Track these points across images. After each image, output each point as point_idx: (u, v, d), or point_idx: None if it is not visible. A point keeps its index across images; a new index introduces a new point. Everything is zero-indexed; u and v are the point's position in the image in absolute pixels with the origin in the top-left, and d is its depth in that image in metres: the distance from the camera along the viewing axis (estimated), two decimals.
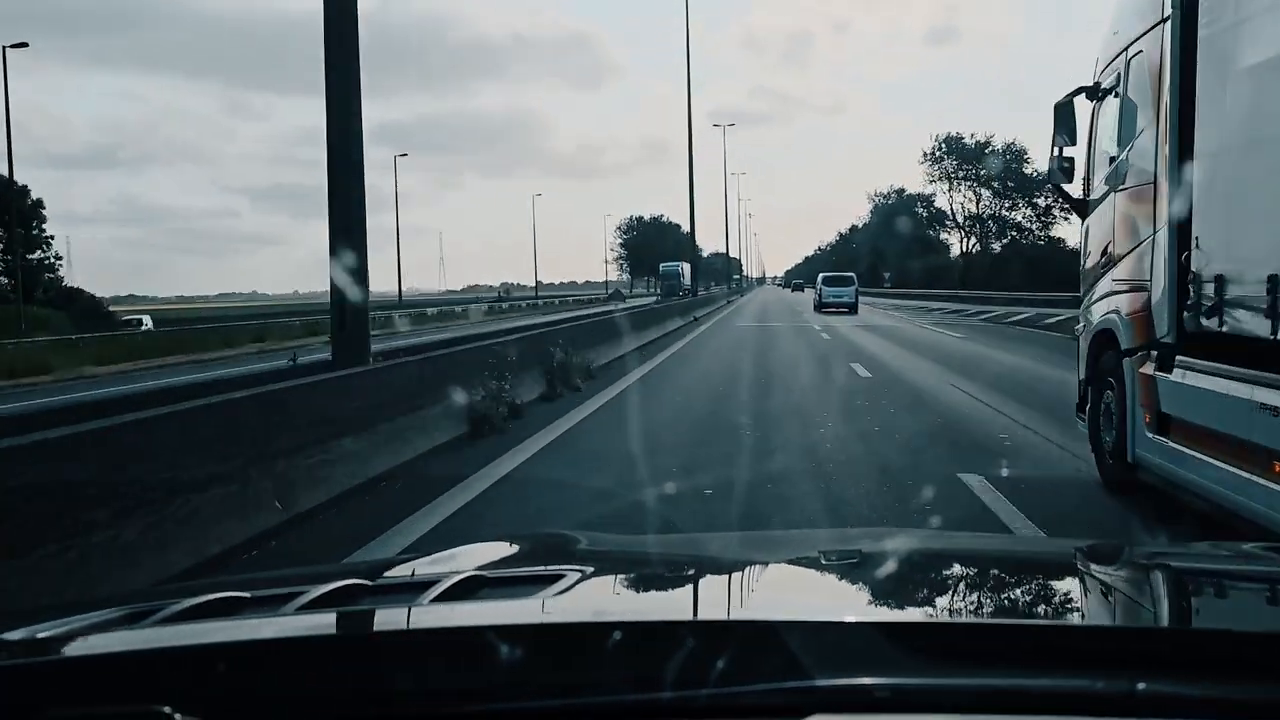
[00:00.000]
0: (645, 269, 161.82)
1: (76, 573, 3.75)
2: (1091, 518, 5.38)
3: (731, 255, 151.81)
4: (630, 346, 16.58)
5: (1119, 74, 5.86)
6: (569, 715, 0.91)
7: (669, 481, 6.09)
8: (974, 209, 77.49)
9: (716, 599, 1.36)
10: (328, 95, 8.02)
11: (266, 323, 37.63)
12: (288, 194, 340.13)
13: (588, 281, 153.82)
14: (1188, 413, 4.78)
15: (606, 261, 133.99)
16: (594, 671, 0.96)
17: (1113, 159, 5.99)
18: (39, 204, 43.64)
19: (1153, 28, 5.36)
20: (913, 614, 1.24)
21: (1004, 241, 72.80)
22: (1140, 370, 5.25)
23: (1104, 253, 6.09)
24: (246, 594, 1.22)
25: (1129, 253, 5.68)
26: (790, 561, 1.60)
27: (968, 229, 76.19)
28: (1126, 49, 5.74)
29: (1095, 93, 6.34)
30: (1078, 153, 6.60)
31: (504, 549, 1.71)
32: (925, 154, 75.05)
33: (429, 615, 1.13)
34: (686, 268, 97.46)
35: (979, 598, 1.39)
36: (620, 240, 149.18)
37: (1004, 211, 74.72)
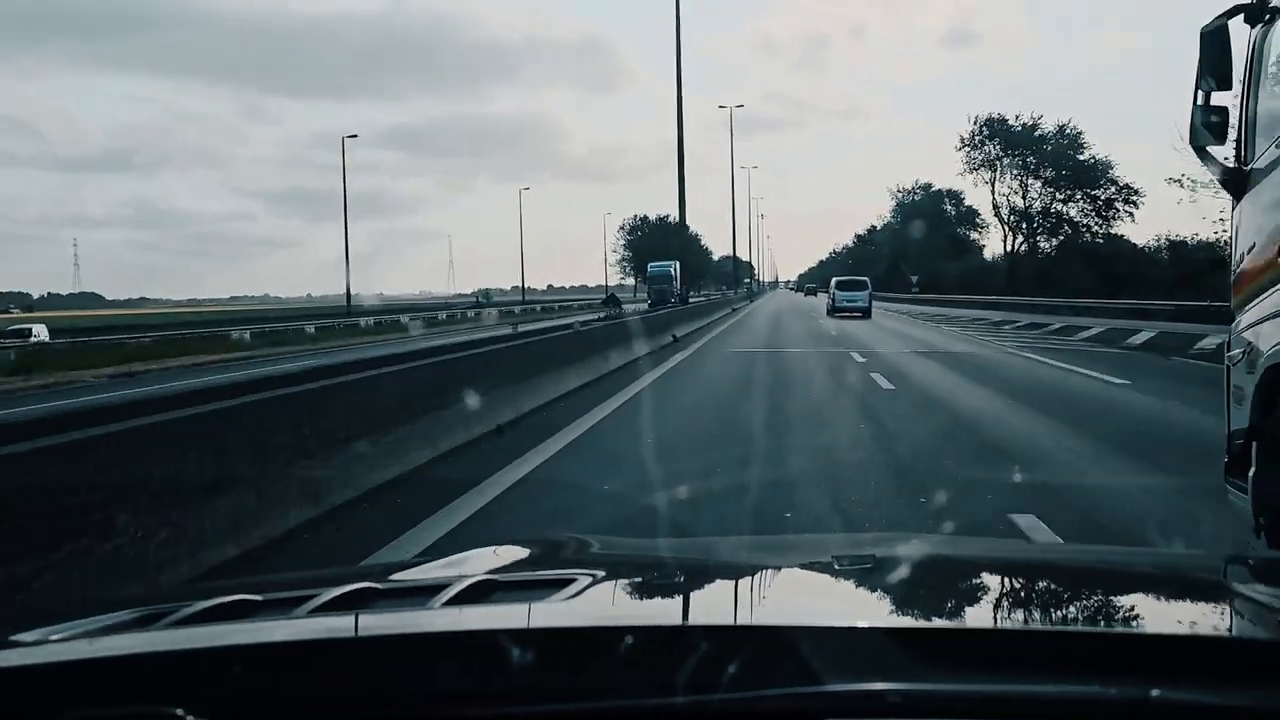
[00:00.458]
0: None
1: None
2: None
3: (744, 259, 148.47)
4: (528, 404, 10.33)
5: None
6: None
7: None
8: (1020, 202, 64.31)
9: (729, 603, 1.40)
10: None
11: (218, 331, 37.30)
12: (302, 197, 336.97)
13: (599, 286, 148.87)
14: None
15: (606, 264, 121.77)
16: (606, 676, 1.00)
17: None
18: None
19: None
20: (925, 619, 1.27)
21: (1058, 239, 67.05)
22: None
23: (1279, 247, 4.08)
24: (259, 596, 1.26)
25: None
26: (802, 566, 1.64)
27: (1013, 225, 63.14)
28: None
29: (1262, 12, 4.48)
30: (1233, 102, 4.64)
31: (515, 552, 1.72)
32: (963, 139, 63.49)
33: (441, 618, 1.18)
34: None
35: (991, 603, 1.41)
36: (624, 242, 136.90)
37: (1058, 205, 61.62)
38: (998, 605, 1.39)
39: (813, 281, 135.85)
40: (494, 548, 1.71)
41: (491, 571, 1.39)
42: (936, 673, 0.97)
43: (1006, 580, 1.53)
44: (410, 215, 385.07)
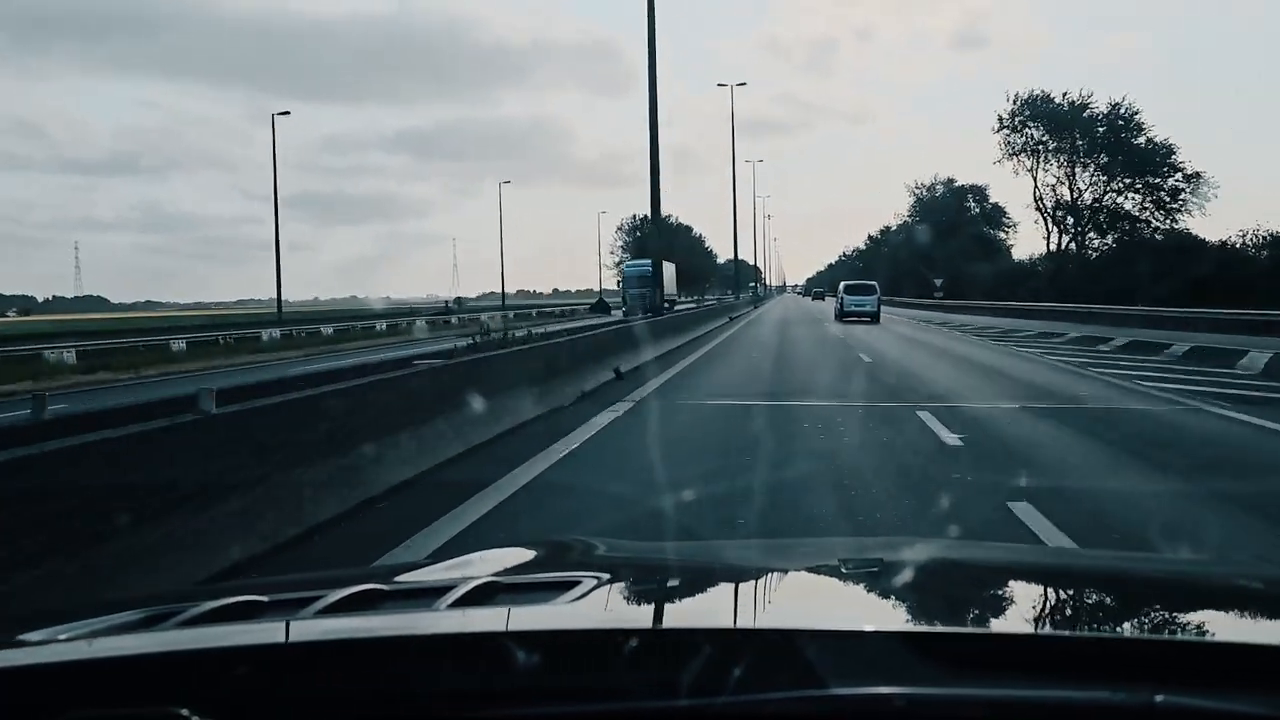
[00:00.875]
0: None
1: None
2: None
3: (751, 262, 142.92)
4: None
5: None
6: None
7: None
8: (1066, 193, 52.99)
9: (733, 607, 1.45)
10: None
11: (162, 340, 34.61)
12: (311, 201, 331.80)
13: (607, 290, 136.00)
14: None
15: (600, 267, 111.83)
16: (610, 678, 1.04)
17: None
18: None
19: None
20: (930, 623, 1.34)
21: (1112, 235, 59.07)
22: None
23: None
24: (264, 597, 1.33)
25: None
26: (808, 570, 1.70)
27: (1057, 219, 51.34)
28: None
29: None
30: None
31: (521, 554, 1.77)
32: (1001, 120, 51.45)
33: (446, 620, 1.23)
34: (671, 269, 69.09)
35: (997, 607, 1.47)
36: (622, 243, 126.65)
37: (1111, 196, 50.05)
38: (1004, 609, 1.45)
39: (820, 285, 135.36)
40: (499, 550, 1.76)
41: (496, 574, 1.44)
42: (942, 677, 0.99)
43: (1012, 585, 1.58)
44: (418, 219, 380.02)
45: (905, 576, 1.54)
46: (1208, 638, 1.24)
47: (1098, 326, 30.77)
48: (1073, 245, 59.06)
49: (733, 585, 1.58)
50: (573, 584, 1.31)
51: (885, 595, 1.48)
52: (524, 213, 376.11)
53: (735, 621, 1.31)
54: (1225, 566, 1.84)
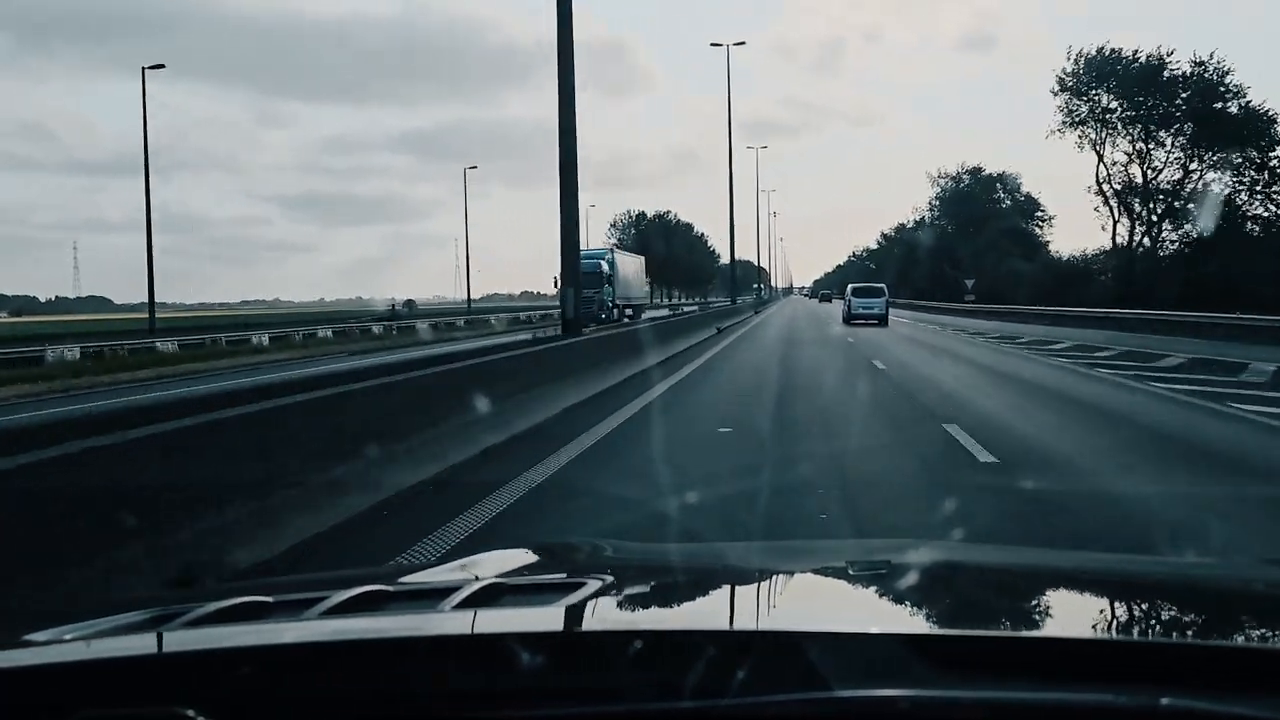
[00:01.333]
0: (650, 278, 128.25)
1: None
2: None
3: (757, 265, 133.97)
4: None
5: None
6: None
7: None
8: (1139, 173, 40.26)
9: (737, 608, 1.51)
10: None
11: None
12: (318, 202, 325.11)
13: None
14: None
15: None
16: (614, 679, 1.07)
17: None
18: None
19: None
20: (934, 626, 1.39)
21: (1214, 225, 37.48)
22: None
23: None
24: (269, 598, 1.39)
25: None
26: (813, 571, 1.75)
27: (1126, 205, 37.71)
28: None
29: None
30: None
31: (526, 556, 1.81)
32: (1062, 80, 38.33)
33: (450, 621, 1.29)
34: (637, 263, 54.57)
35: (1000, 610, 1.52)
36: (615, 240, 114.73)
37: (1202, 172, 37.25)
38: (1007, 612, 1.51)
39: (828, 287, 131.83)
40: (504, 551, 1.81)
41: (501, 575, 1.50)
42: (946, 679, 1.01)
43: (1017, 587, 1.64)
44: (422, 219, 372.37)
45: (909, 579, 1.59)
46: (1213, 640, 1.30)
47: (1214, 343, 24.54)
48: (1144, 239, 48.28)
49: (736, 587, 1.63)
50: (577, 585, 1.36)
51: (889, 597, 1.52)
52: (528, 214, 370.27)
53: (739, 623, 1.37)
54: (1230, 569, 1.90)
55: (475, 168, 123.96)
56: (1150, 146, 48.36)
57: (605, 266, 44.93)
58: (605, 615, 1.31)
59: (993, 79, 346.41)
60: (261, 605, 1.32)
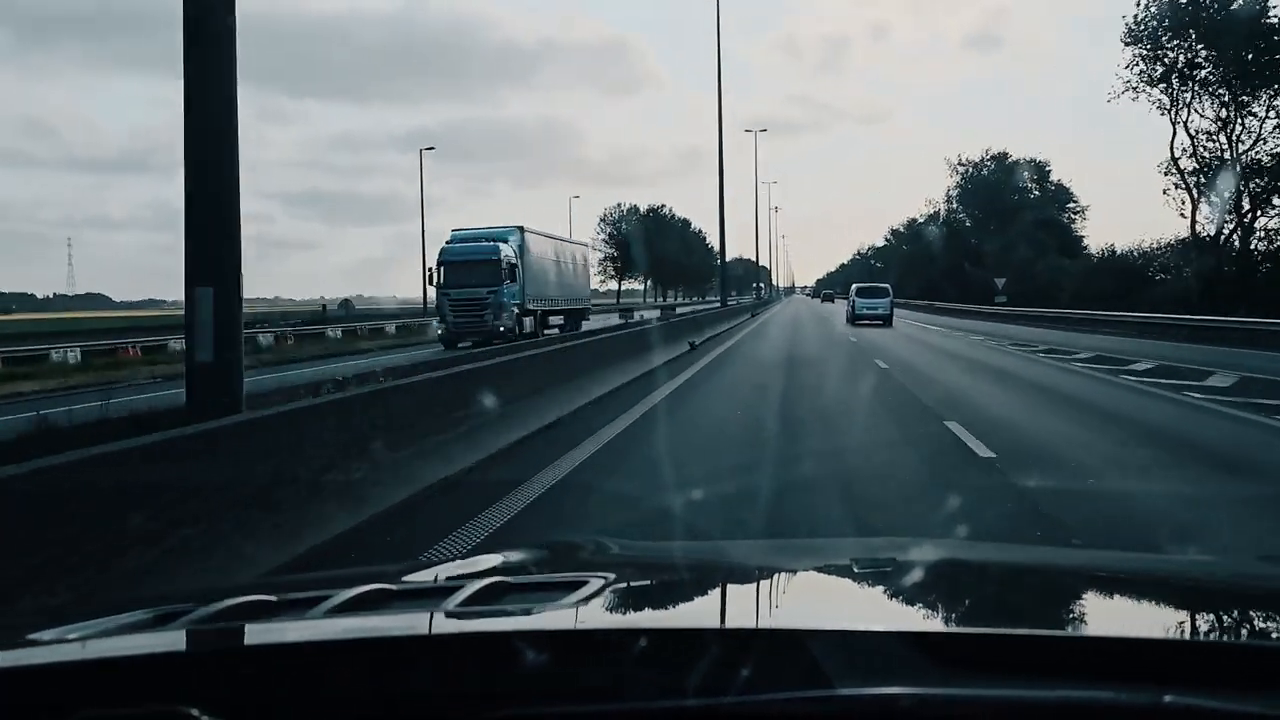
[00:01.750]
0: (638, 271, 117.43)
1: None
2: None
3: (758, 263, 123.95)
4: None
5: None
6: None
7: None
8: (1225, 144, 28.67)
9: (741, 606, 1.49)
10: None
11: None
12: (320, 199, 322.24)
13: (609, 291, 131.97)
14: None
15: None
16: (618, 677, 1.05)
17: None
18: None
19: None
20: (937, 624, 1.38)
21: None
22: None
23: None
24: (273, 597, 1.38)
25: None
26: (816, 569, 1.72)
27: (1203, 184, 26.15)
28: None
29: None
30: None
31: (529, 554, 1.82)
32: (1132, 30, 26.74)
33: (453, 620, 1.28)
34: (570, 253, 42.82)
35: (1004, 608, 1.52)
36: (604, 236, 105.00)
37: None
38: (1011, 610, 1.51)
39: (832, 287, 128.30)
40: (508, 549, 1.81)
41: (504, 573, 1.48)
42: (949, 677, 1.01)
43: (1020, 585, 1.62)
44: (426, 218, 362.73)
45: (912, 576, 1.58)
46: (1216, 638, 1.29)
47: None
48: (1235, 230, 38.04)
49: (740, 585, 1.61)
50: (580, 584, 1.36)
51: (892, 595, 1.51)
52: (532, 213, 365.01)
53: (742, 621, 1.37)
54: (1232, 566, 1.86)
55: (433, 148, 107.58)
56: (1240, 115, 38.42)
57: (507, 254, 30.27)
58: (608, 613, 1.31)
59: (1000, 78, 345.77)
60: (265, 604, 1.32)
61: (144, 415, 9.21)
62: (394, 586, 1.39)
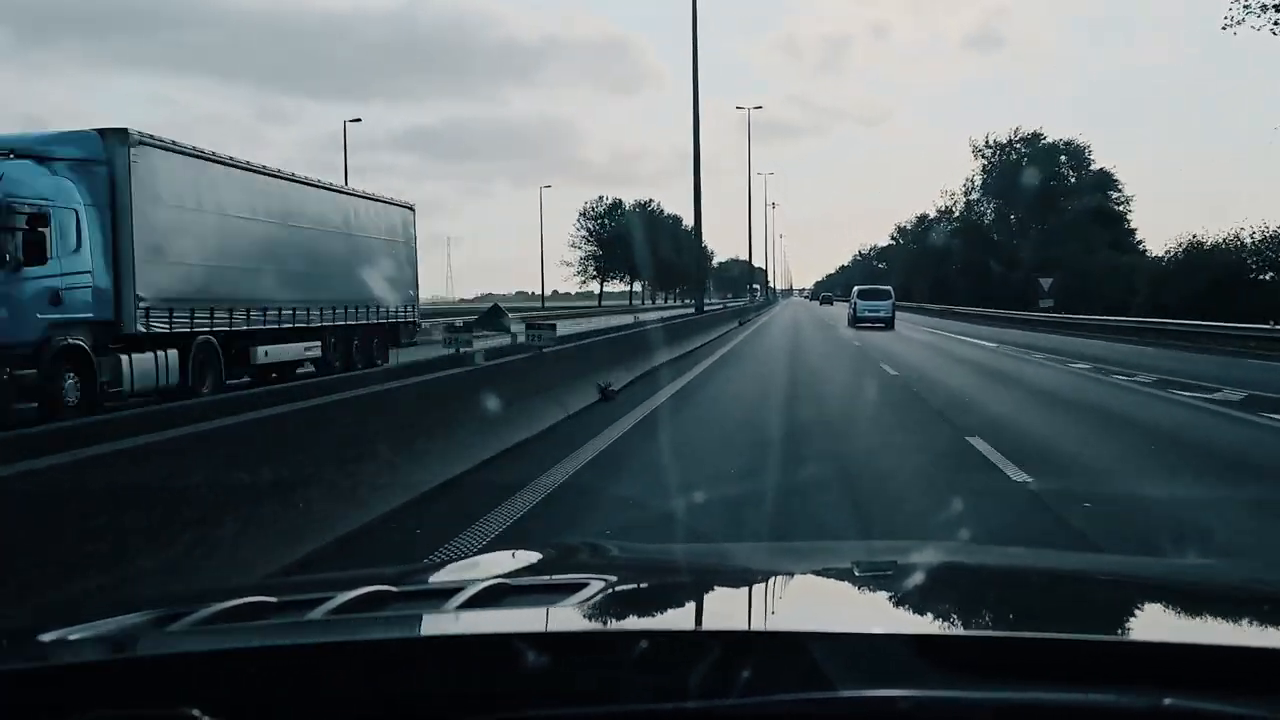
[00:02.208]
0: (623, 271, 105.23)
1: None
2: None
3: (754, 265, 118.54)
4: None
5: None
6: None
7: None
8: None
9: (741, 609, 1.50)
10: None
11: None
12: None
13: (618, 292, 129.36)
14: None
15: (543, 263, 79.18)
16: (618, 680, 1.06)
17: None
18: None
19: None
20: (937, 626, 1.39)
21: None
22: None
23: None
24: (275, 599, 1.40)
25: None
26: (815, 573, 1.73)
27: None
28: None
29: None
30: None
31: (530, 557, 1.80)
32: None
33: (454, 622, 1.30)
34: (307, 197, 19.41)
35: (1004, 611, 1.51)
36: (583, 233, 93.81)
37: None
38: (1011, 612, 1.51)
39: (830, 289, 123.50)
40: (508, 552, 1.81)
41: (505, 576, 1.49)
42: (949, 680, 1.01)
43: (1020, 588, 1.63)
44: (428, 219, 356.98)
45: (911, 580, 1.58)
46: (1216, 641, 1.30)
47: None
48: None
49: (740, 588, 1.62)
50: (581, 586, 1.37)
51: (893, 598, 1.52)
52: (532, 213, 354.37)
53: (743, 624, 1.37)
54: (1233, 570, 1.87)
55: (359, 120, 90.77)
56: None
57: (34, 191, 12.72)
58: (609, 615, 1.32)
59: (1000, 78, 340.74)
60: (266, 606, 1.33)
61: None
62: (394, 588, 1.39)
